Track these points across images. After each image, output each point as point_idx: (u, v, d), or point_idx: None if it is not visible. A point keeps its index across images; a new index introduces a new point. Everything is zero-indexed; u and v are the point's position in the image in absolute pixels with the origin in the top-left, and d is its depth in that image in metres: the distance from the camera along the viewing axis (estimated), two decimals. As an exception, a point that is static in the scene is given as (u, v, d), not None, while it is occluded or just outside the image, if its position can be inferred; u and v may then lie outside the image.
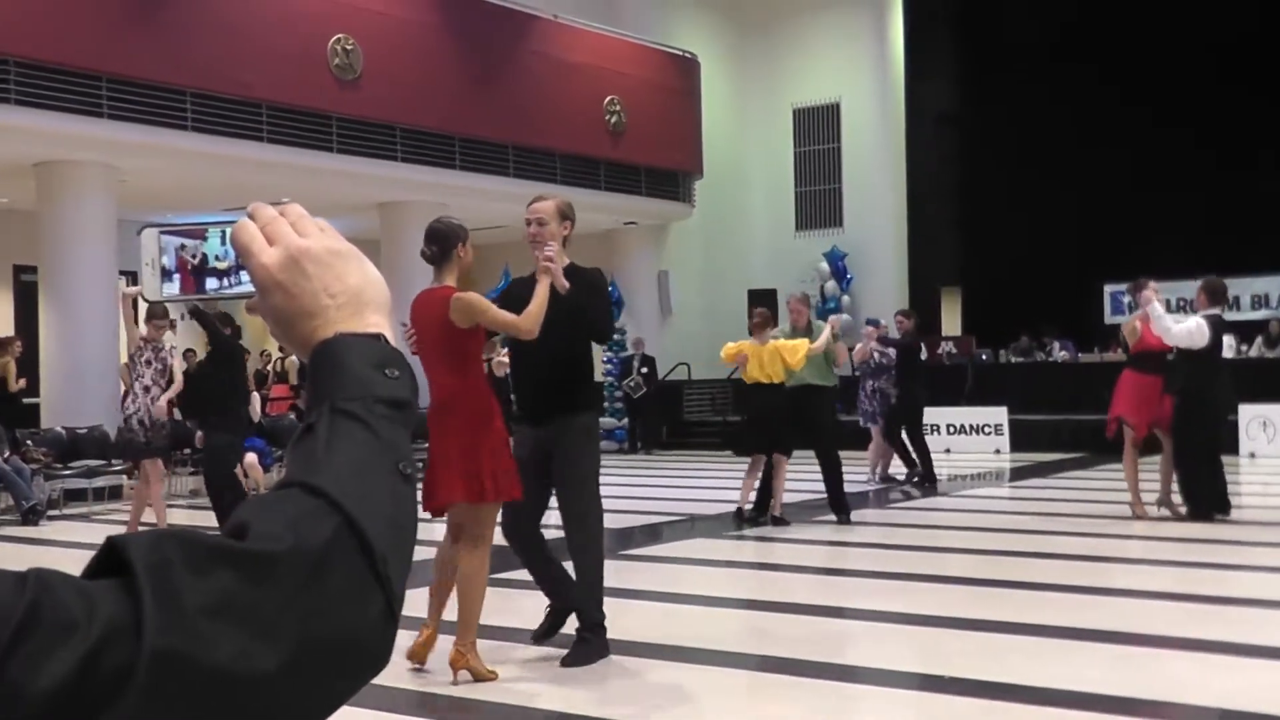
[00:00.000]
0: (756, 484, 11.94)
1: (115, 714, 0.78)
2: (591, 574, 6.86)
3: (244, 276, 1.24)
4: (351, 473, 0.96)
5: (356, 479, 0.95)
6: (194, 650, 0.81)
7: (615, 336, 22.44)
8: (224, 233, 1.26)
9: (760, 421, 11.67)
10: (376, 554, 0.91)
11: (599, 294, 6.85)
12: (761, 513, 11.84)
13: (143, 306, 11.73)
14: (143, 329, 11.33)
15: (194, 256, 1.31)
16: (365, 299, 1.10)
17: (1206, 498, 11.31)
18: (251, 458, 14.97)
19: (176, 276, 1.32)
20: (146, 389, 11.20)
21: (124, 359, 11.27)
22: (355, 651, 0.90)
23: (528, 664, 6.78)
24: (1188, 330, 11.07)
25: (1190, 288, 12.82)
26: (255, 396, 15.88)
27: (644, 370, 21.87)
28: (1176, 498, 11.46)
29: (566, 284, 6.57)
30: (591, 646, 6.76)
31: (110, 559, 0.85)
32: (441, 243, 6.50)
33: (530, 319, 6.37)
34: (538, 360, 6.88)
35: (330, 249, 1.11)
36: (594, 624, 6.82)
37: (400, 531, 0.96)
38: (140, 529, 10.96)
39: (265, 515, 0.91)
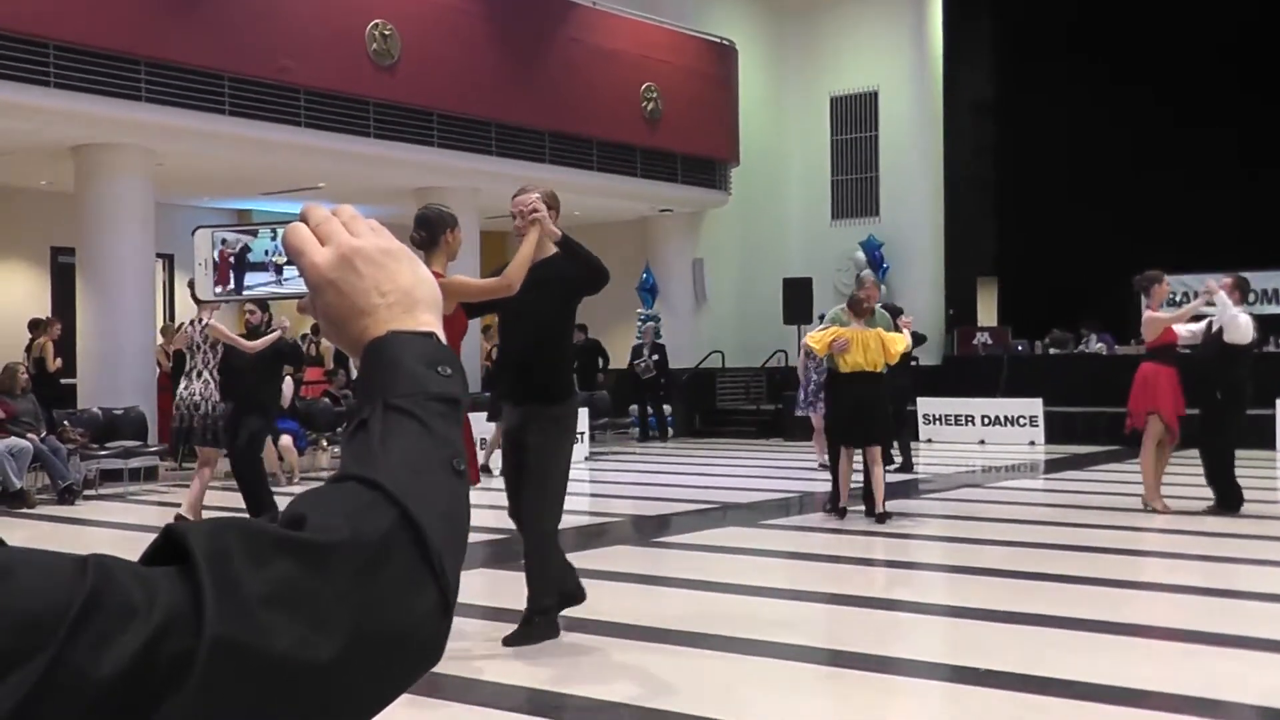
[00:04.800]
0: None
1: (175, 701, 0.79)
2: (540, 557, 6.87)
3: (290, 272, 1.24)
4: (407, 467, 0.96)
5: (412, 474, 0.96)
6: (253, 639, 0.82)
7: (650, 323, 22.43)
8: (275, 231, 1.26)
9: (863, 412, 10.99)
10: (432, 548, 0.92)
11: (578, 250, 6.81)
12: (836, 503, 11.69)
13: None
14: (207, 316, 11.26)
15: (233, 250, 1.30)
16: (416, 298, 1.10)
17: (1236, 490, 11.37)
18: (286, 440, 15.06)
19: (215, 271, 1.31)
20: (212, 374, 11.17)
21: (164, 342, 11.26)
22: (410, 643, 0.90)
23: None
24: (1248, 324, 11.20)
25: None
26: (289, 381, 15.92)
27: (655, 357, 21.82)
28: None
29: (556, 231, 6.64)
30: (534, 629, 6.81)
31: (169, 547, 0.85)
32: (430, 229, 6.61)
33: (513, 271, 6.41)
34: (515, 343, 7.04)
35: (382, 248, 1.11)
36: (542, 609, 6.86)
37: (454, 526, 0.97)
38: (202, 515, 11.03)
39: (322, 507, 0.91)
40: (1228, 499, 11.35)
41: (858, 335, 10.96)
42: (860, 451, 11.36)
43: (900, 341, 11.24)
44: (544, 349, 6.88)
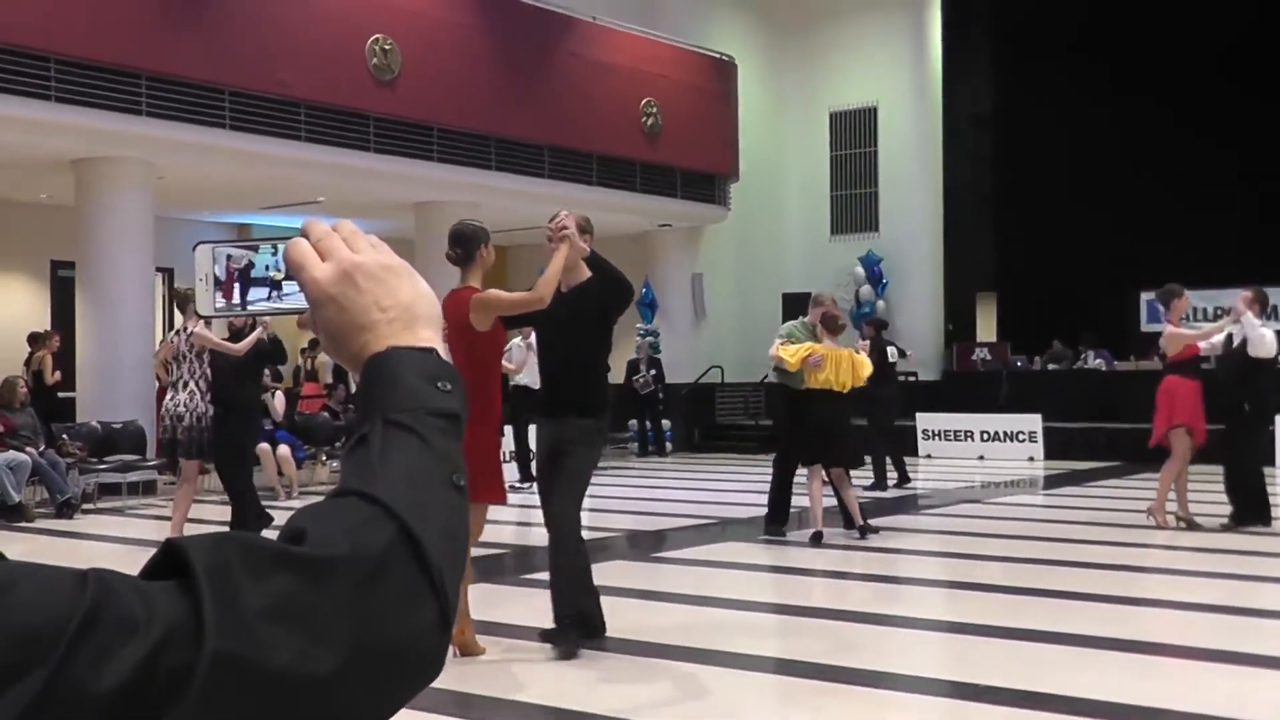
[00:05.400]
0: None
1: (175, 714, 0.79)
2: (567, 567, 6.98)
3: (289, 287, 1.25)
4: (406, 483, 0.96)
5: (411, 489, 0.96)
6: (253, 653, 0.82)
7: (650, 339, 22.42)
8: (275, 246, 1.27)
9: (830, 431, 10.86)
10: (432, 563, 0.92)
11: (604, 264, 6.99)
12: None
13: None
14: (192, 325, 11.16)
15: (239, 265, 1.31)
16: (416, 313, 1.11)
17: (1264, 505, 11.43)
18: (285, 450, 15.07)
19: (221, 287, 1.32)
20: (198, 384, 11.08)
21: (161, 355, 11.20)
22: (409, 658, 0.91)
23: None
24: (1272, 339, 11.32)
25: (1231, 296, 12.74)
26: (280, 395, 15.94)
27: (652, 372, 21.83)
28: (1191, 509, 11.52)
29: (585, 247, 6.83)
30: (570, 633, 6.89)
31: (168, 561, 0.85)
32: (465, 245, 6.78)
33: (543, 285, 6.57)
34: (553, 358, 7.20)
35: (382, 264, 1.12)
36: (570, 615, 6.93)
37: (453, 542, 0.97)
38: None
39: (322, 522, 0.92)
40: (1245, 513, 11.34)
41: (832, 353, 10.85)
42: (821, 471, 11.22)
43: (868, 365, 11.20)
44: (577, 368, 7.03)
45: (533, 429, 10.37)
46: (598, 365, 7.15)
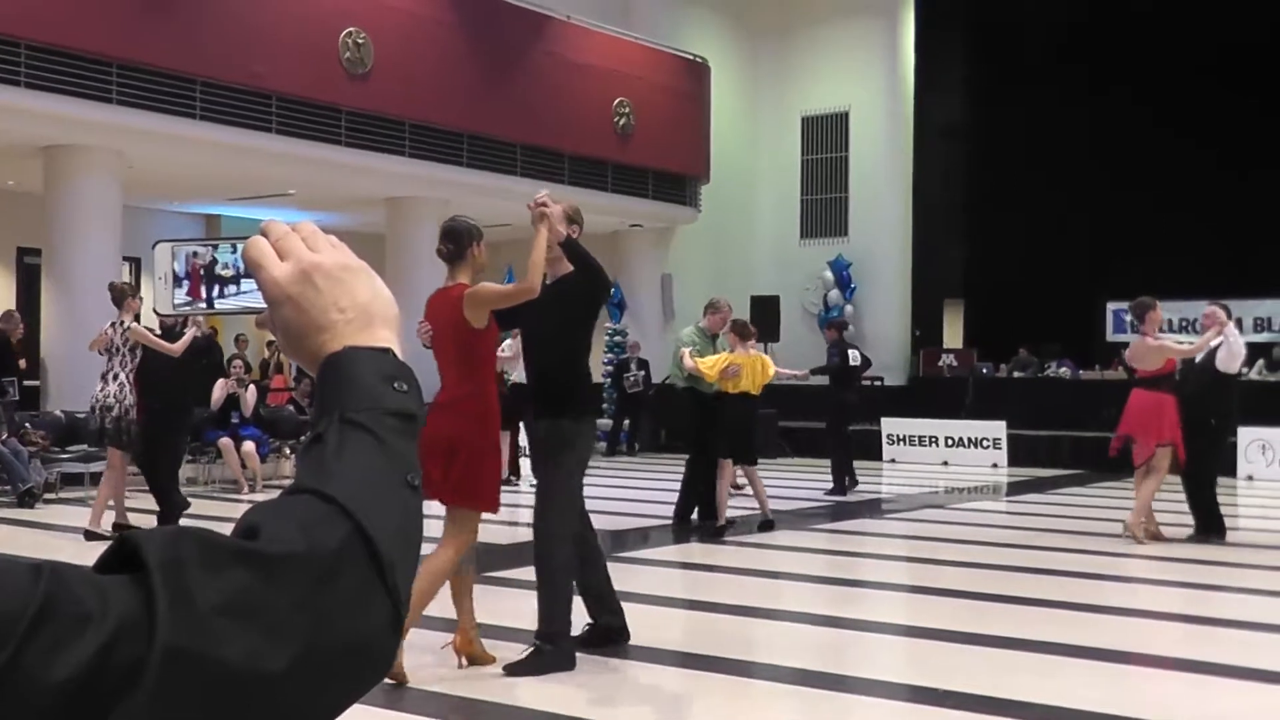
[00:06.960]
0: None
1: (126, 709, 0.79)
2: (548, 579, 6.58)
3: (246, 286, 1.25)
4: (362, 482, 0.97)
5: (367, 488, 0.96)
6: (205, 648, 0.82)
7: (616, 338, 22.42)
8: (235, 245, 1.27)
9: (749, 430, 11.63)
10: (385, 562, 0.92)
11: (578, 250, 6.67)
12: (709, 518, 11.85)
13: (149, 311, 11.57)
14: (128, 319, 11.08)
15: (205, 262, 1.32)
16: (374, 314, 1.11)
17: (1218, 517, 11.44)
18: (249, 447, 14.99)
19: (187, 282, 1.33)
20: (129, 377, 11.01)
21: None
22: (362, 657, 0.91)
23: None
24: (1244, 352, 11.42)
25: (1195, 308, 12.79)
26: (252, 389, 15.86)
27: (641, 372, 21.87)
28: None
29: (563, 231, 6.55)
30: (543, 658, 6.43)
31: (123, 555, 0.86)
32: (457, 241, 6.55)
33: (530, 274, 6.32)
34: (533, 360, 7.00)
35: (341, 264, 1.12)
36: (548, 634, 6.49)
37: (408, 542, 0.97)
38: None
39: (277, 519, 0.92)
40: (1211, 525, 11.33)
41: (746, 361, 11.41)
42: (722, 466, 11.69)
43: (773, 366, 12.00)
44: (554, 364, 6.76)
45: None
46: (572, 363, 6.81)
